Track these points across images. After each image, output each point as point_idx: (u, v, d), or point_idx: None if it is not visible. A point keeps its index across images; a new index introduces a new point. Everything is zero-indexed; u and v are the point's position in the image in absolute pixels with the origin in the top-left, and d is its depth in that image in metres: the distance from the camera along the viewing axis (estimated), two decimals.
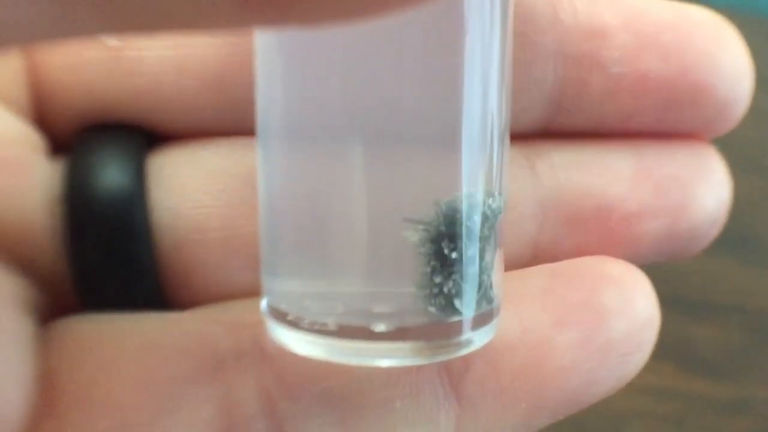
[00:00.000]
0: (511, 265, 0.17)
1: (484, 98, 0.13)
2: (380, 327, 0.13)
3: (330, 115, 0.13)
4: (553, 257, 0.17)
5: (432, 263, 0.13)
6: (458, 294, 0.13)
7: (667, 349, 0.36)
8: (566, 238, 0.17)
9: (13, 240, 0.15)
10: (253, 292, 0.15)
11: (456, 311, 0.13)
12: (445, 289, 0.13)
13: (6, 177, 0.15)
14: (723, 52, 0.17)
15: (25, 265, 0.15)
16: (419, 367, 0.15)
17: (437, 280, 0.13)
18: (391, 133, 0.13)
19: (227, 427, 0.15)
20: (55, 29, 0.09)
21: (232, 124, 0.16)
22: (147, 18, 0.09)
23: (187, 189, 0.16)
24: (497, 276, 0.14)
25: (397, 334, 0.13)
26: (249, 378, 0.15)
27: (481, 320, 0.14)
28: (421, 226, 0.13)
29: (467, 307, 0.13)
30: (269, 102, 0.14)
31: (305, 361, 0.14)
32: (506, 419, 0.16)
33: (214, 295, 0.16)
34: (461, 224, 0.13)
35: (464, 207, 0.13)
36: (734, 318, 0.38)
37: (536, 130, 0.17)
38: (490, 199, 0.14)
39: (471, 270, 0.13)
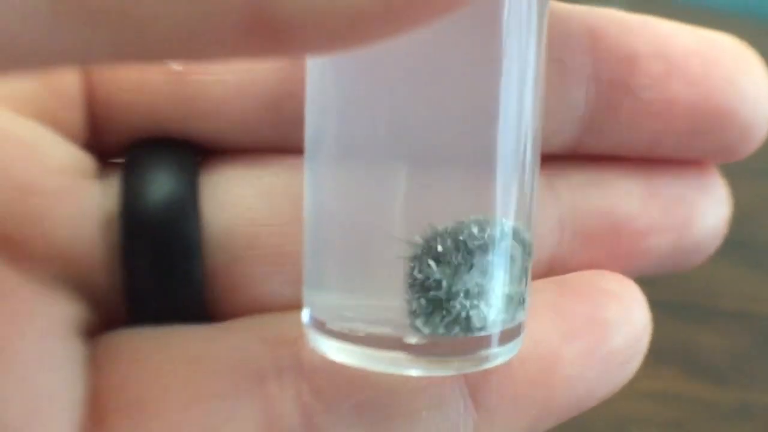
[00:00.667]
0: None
1: (518, 121, 0.14)
2: (413, 339, 0.14)
3: (373, 136, 0.14)
4: (566, 271, 0.19)
5: (415, 280, 0.14)
6: (430, 314, 0.14)
7: (671, 354, 0.36)
8: (579, 253, 0.19)
9: (65, 262, 0.16)
10: (293, 306, 0.16)
11: (449, 331, 0.14)
12: (416, 307, 0.14)
13: (56, 205, 0.15)
14: (746, 77, 0.18)
15: (76, 284, 0.16)
16: (443, 379, 0.16)
17: (412, 296, 0.14)
18: (432, 154, 0.14)
19: None
20: (52, 54, 0.09)
21: (286, 143, 0.17)
22: (148, 46, 0.09)
23: (239, 206, 0.17)
24: (523, 295, 0.15)
25: (429, 347, 0.14)
26: (289, 393, 0.16)
27: (508, 336, 0.15)
28: (410, 245, 0.14)
29: (440, 328, 0.14)
30: (316, 122, 0.15)
31: (341, 376, 0.15)
32: (518, 425, 0.17)
33: (257, 308, 0.17)
34: (456, 245, 0.14)
35: (472, 228, 0.14)
36: (738, 324, 0.38)
37: (565, 152, 0.18)
38: (506, 224, 0.14)
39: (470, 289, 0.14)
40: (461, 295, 0.14)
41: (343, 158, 0.14)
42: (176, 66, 0.16)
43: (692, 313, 0.38)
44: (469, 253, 0.14)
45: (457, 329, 0.14)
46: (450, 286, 0.14)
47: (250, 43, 0.09)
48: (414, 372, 0.14)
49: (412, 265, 0.14)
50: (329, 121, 0.14)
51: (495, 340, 0.14)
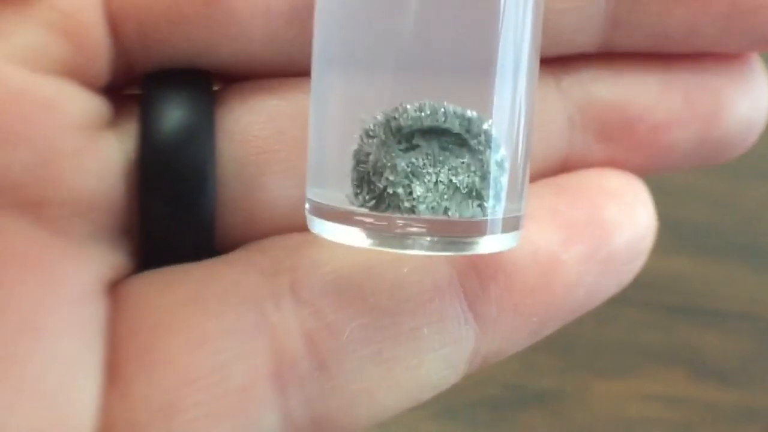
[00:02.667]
0: (544, 174, 0.18)
1: (515, 28, 0.15)
2: (412, 227, 0.15)
3: (377, 42, 0.15)
4: (585, 167, 0.18)
5: (354, 154, 0.15)
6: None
7: (677, 356, 0.36)
8: (596, 151, 0.18)
9: (91, 219, 0.16)
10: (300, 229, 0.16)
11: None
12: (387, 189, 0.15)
13: (77, 163, 0.15)
14: None
15: (104, 238, 0.16)
16: (441, 295, 0.16)
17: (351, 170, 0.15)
18: (433, 59, 0.15)
19: (277, 372, 0.16)
20: None
21: (300, 64, 0.17)
22: None
23: (247, 134, 0.17)
24: (509, 190, 0.15)
25: (425, 231, 0.15)
26: (291, 322, 0.16)
27: (490, 228, 0.15)
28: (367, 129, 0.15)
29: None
30: (323, 30, 0.15)
31: (341, 299, 0.16)
32: (519, 333, 0.17)
33: (267, 234, 0.17)
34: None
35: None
36: (745, 325, 0.38)
37: (594, 50, 0.18)
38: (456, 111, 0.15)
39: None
40: (387, 170, 0.15)
41: (346, 63, 0.15)
42: None
43: (699, 316, 0.38)
44: (398, 130, 0.15)
45: (384, 205, 0.15)
46: (376, 161, 0.15)
47: None
48: (412, 252, 0.15)
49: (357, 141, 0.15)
50: (335, 28, 0.15)
51: (489, 228, 0.15)
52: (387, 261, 0.16)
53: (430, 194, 0.15)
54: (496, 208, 0.15)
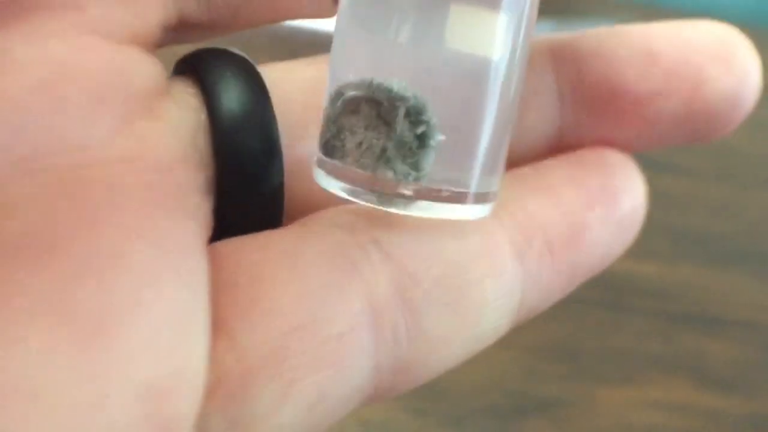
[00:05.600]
0: (540, 148, 0.20)
1: None
2: (409, 188, 0.16)
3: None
4: (578, 140, 0.21)
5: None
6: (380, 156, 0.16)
7: (681, 364, 0.36)
8: (587, 123, 0.20)
9: (176, 170, 0.17)
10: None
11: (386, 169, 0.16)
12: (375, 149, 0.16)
13: (152, 128, 0.16)
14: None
15: (191, 191, 0.17)
16: (497, 250, 0.18)
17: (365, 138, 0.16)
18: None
19: (371, 319, 0.17)
20: None
21: None
22: None
23: (285, 104, 0.18)
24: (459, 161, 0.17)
25: (417, 194, 0.16)
26: (380, 272, 0.17)
27: (482, 199, 0.17)
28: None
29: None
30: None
31: (418, 252, 0.17)
32: (553, 288, 0.19)
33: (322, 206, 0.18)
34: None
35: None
36: (749, 333, 0.38)
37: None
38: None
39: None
40: (330, 126, 0.17)
41: (362, 19, 0.16)
42: None
43: (702, 324, 0.38)
44: (338, 96, 0.17)
45: (329, 155, 0.17)
46: (327, 119, 0.17)
47: None
48: (403, 212, 0.17)
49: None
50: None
51: (464, 198, 0.17)
52: (452, 223, 0.18)
53: (357, 150, 0.16)
54: (409, 177, 0.16)
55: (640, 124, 0.20)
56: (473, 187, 0.17)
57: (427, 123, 0.16)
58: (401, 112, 0.16)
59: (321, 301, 0.16)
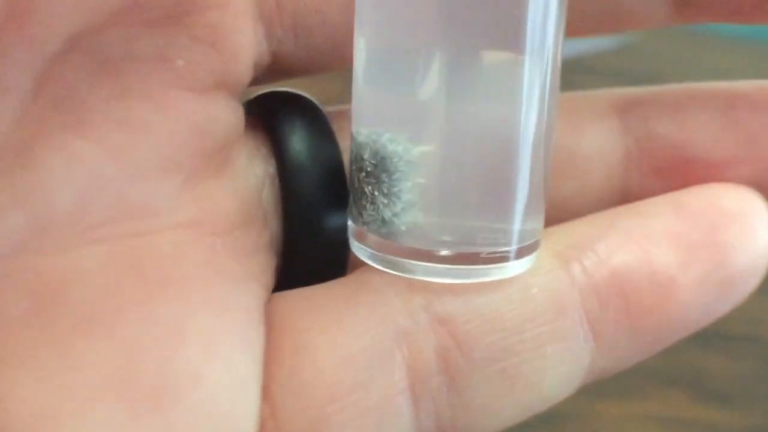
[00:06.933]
0: (602, 207, 0.19)
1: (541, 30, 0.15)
2: (444, 252, 0.16)
3: (412, 23, 0.15)
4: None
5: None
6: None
7: (679, 377, 0.36)
8: (654, 186, 0.19)
9: (241, 230, 0.17)
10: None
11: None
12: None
13: (221, 182, 0.16)
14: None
15: (256, 251, 0.17)
16: (564, 316, 0.17)
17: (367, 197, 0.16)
18: (466, 41, 0.15)
19: (411, 387, 0.16)
20: None
21: None
22: None
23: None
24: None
25: (455, 258, 0.16)
26: (426, 340, 0.16)
27: (523, 252, 0.16)
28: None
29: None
30: (363, 18, 0.16)
31: (470, 318, 0.16)
32: (632, 351, 0.18)
33: None
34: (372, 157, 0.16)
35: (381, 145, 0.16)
36: (747, 347, 0.38)
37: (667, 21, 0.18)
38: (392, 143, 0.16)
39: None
40: (352, 190, 0.16)
41: (383, 53, 0.16)
42: None
43: (701, 337, 0.38)
44: (359, 155, 0.16)
45: (359, 221, 0.16)
46: (351, 181, 0.16)
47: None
48: (443, 280, 0.16)
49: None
50: (374, 10, 0.16)
51: (512, 255, 0.16)
52: (515, 280, 0.17)
53: (369, 213, 0.16)
54: (402, 225, 0.16)
55: None
56: (514, 243, 0.16)
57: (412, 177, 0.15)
58: (395, 170, 0.15)
59: (363, 371, 0.16)
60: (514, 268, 0.16)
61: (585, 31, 0.18)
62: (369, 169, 0.16)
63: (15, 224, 0.14)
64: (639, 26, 0.18)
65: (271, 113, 0.18)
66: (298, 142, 0.17)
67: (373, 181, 0.16)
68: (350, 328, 0.16)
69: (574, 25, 0.17)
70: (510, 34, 0.15)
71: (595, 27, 0.18)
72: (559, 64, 0.16)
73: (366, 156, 0.16)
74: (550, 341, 0.17)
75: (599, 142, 0.19)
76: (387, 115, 0.16)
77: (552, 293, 0.17)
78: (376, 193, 0.16)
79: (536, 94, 0.15)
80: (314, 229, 0.17)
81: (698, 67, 0.61)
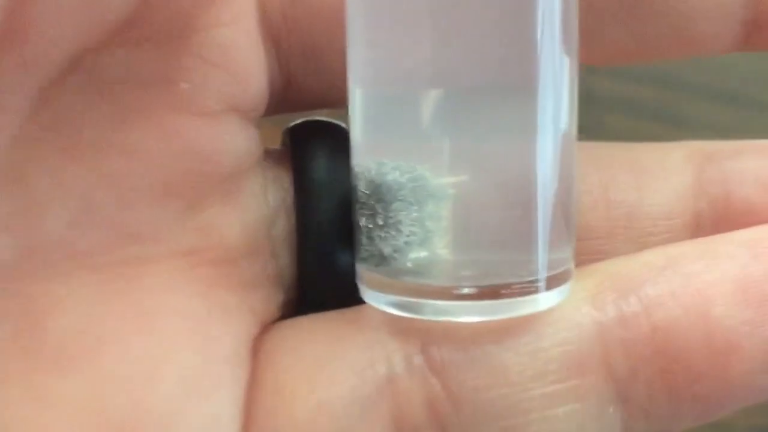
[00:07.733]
0: None
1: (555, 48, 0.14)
2: (465, 289, 0.14)
3: (411, 64, 0.14)
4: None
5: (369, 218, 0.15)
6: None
7: None
8: (727, 220, 0.17)
9: (241, 262, 0.16)
10: None
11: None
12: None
13: (223, 210, 0.16)
14: None
15: (254, 284, 0.16)
16: (583, 375, 0.15)
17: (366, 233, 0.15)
18: (469, 80, 0.14)
19: None
20: None
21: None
22: None
23: None
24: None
25: (477, 294, 0.14)
26: (417, 389, 0.15)
27: (553, 283, 0.15)
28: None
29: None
30: (355, 52, 0.15)
31: (470, 369, 0.15)
32: (681, 419, 0.15)
33: None
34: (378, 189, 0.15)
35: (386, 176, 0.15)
36: None
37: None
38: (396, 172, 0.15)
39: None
40: (358, 225, 0.15)
41: (380, 85, 0.15)
42: None
43: None
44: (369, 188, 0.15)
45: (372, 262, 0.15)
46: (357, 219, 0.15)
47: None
48: (466, 319, 0.14)
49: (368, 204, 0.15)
50: (368, 49, 0.15)
51: (542, 286, 0.15)
52: (527, 326, 0.15)
53: (369, 246, 0.15)
54: (400, 259, 0.15)
55: None
56: (542, 272, 0.14)
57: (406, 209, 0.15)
58: (393, 199, 0.15)
59: (340, 419, 0.15)
60: (546, 299, 0.15)
61: (643, 55, 0.16)
62: (363, 199, 0.15)
63: (2, 246, 0.14)
64: (706, 52, 0.16)
65: (295, 142, 0.17)
66: (315, 171, 0.16)
67: (368, 212, 0.15)
68: (331, 372, 0.15)
69: (630, 49, 0.16)
70: (519, 66, 0.14)
71: (656, 51, 0.16)
72: (576, 90, 0.15)
73: (361, 186, 0.15)
74: (564, 401, 0.15)
75: (666, 201, 0.17)
76: (388, 149, 0.15)
77: (570, 347, 0.15)
78: (371, 225, 0.15)
79: (550, 123, 0.14)
80: (327, 262, 0.16)
81: None
